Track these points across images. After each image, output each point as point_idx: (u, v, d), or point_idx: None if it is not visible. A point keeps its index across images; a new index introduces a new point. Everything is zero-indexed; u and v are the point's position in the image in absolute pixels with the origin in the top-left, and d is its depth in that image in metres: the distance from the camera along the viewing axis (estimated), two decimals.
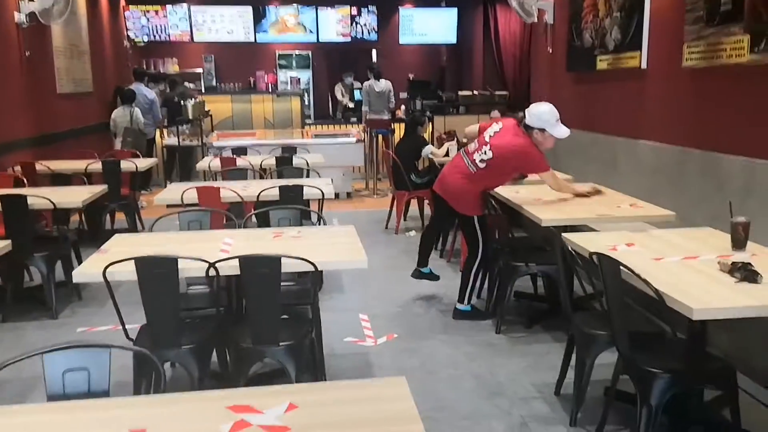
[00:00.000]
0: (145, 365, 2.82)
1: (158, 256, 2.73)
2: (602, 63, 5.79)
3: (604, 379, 3.23)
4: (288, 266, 2.80)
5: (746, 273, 2.52)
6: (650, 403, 2.58)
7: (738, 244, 2.92)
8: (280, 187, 4.48)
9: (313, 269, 2.80)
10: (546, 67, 7.22)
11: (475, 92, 10.15)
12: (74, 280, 2.89)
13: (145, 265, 2.71)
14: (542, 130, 4.07)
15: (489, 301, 4.57)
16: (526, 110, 4.19)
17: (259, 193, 4.43)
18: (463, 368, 3.71)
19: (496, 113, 7.02)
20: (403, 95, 11.58)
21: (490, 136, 4.21)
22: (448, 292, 4.89)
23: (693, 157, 4.48)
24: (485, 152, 4.17)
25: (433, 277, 4.87)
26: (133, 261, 2.70)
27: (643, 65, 5.11)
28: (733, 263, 2.58)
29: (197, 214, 3.74)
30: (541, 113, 4.08)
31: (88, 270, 2.89)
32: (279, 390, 1.76)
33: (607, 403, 3.04)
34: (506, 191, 4.44)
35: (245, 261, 2.74)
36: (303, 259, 2.76)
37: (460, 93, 10.18)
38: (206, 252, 2.98)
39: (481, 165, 4.18)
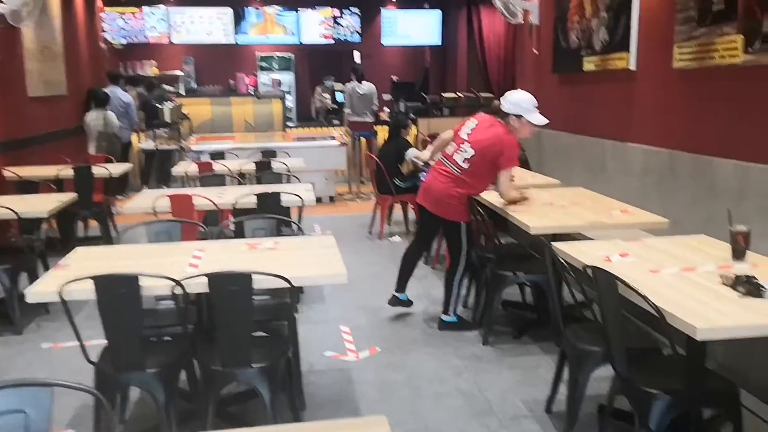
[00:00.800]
0: (105, 392, 2.62)
1: (117, 274, 2.52)
2: (589, 64, 5.65)
3: (597, 395, 3.07)
4: (261, 283, 2.61)
5: (750, 287, 2.36)
6: (650, 427, 2.42)
7: (738, 254, 2.77)
8: (257, 194, 4.28)
9: (287, 285, 2.60)
10: (531, 69, 7.08)
11: (460, 94, 9.99)
12: (28, 300, 2.67)
13: (104, 283, 2.50)
14: (519, 117, 3.95)
15: (476, 311, 4.40)
16: (502, 97, 4.08)
17: (235, 202, 4.23)
18: (449, 384, 3.53)
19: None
20: (387, 97, 11.40)
21: (468, 133, 4.08)
22: (434, 300, 4.71)
23: (683, 160, 4.35)
24: (465, 150, 4.03)
25: (408, 304, 4.55)
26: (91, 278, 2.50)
27: (632, 66, 4.98)
28: (737, 276, 2.43)
29: (166, 225, 3.53)
30: (519, 99, 3.99)
31: (43, 289, 2.67)
32: None
33: (602, 422, 2.88)
34: (492, 196, 4.27)
35: (213, 278, 2.54)
36: (277, 275, 2.56)
37: (444, 95, 10.02)
38: (174, 267, 2.79)
39: (465, 165, 4.03)
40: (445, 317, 4.26)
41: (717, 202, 3.92)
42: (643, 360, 2.66)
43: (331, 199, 8.65)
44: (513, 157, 3.95)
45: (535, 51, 6.87)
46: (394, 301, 4.52)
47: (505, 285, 4.10)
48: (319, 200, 8.31)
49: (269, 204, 4.21)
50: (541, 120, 3.98)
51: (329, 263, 2.93)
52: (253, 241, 3.29)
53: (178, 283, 2.57)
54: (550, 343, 3.96)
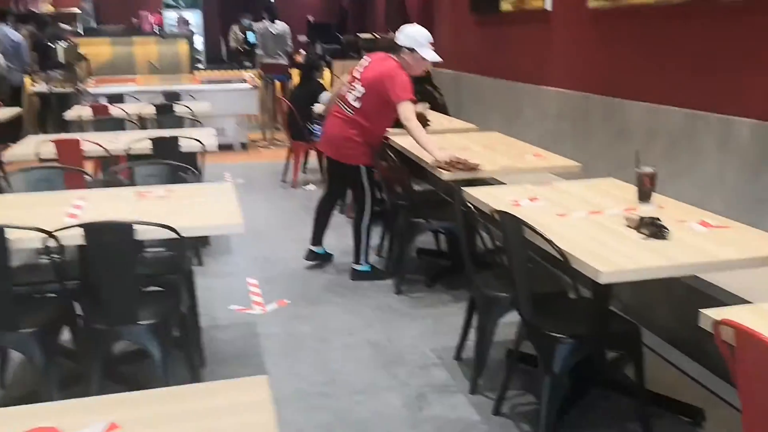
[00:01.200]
0: None
1: None
2: (506, 4, 5.52)
3: (506, 340, 3.04)
4: (147, 233, 2.38)
5: (654, 229, 2.33)
6: (554, 371, 2.39)
7: (644, 196, 2.75)
8: (152, 138, 3.96)
9: (176, 236, 2.38)
10: (449, 9, 6.90)
11: (377, 35, 9.69)
12: None
13: None
14: (411, 51, 3.81)
15: (389, 260, 4.30)
16: (398, 30, 3.94)
17: (128, 147, 3.90)
18: (359, 335, 3.43)
19: None
20: (303, 38, 10.96)
21: (360, 72, 3.93)
22: (347, 251, 4.57)
23: (596, 103, 4.33)
24: (357, 89, 3.88)
25: (326, 258, 4.38)
26: None
27: (548, 6, 4.88)
28: (641, 218, 2.39)
29: (46, 172, 3.20)
30: (414, 32, 3.85)
31: None
32: (101, 402, 1.37)
33: (509, 367, 2.85)
34: (407, 141, 4.12)
35: (90, 229, 2.29)
36: (162, 225, 2.33)
37: (361, 36, 9.70)
38: (51, 217, 2.51)
39: (356, 104, 3.88)
40: (357, 267, 4.14)
41: (628, 145, 3.92)
42: (549, 304, 2.63)
43: (243, 146, 8.30)
44: (404, 88, 3.74)
45: None
46: (312, 256, 4.33)
47: (418, 232, 4.02)
48: (230, 147, 7.97)
49: (166, 150, 3.91)
50: (434, 56, 3.86)
51: (225, 212, 2.72)
52: (142, 189, 3.02)
53: (50, 234, 2.31)
54: (463, 291, 3.90)
